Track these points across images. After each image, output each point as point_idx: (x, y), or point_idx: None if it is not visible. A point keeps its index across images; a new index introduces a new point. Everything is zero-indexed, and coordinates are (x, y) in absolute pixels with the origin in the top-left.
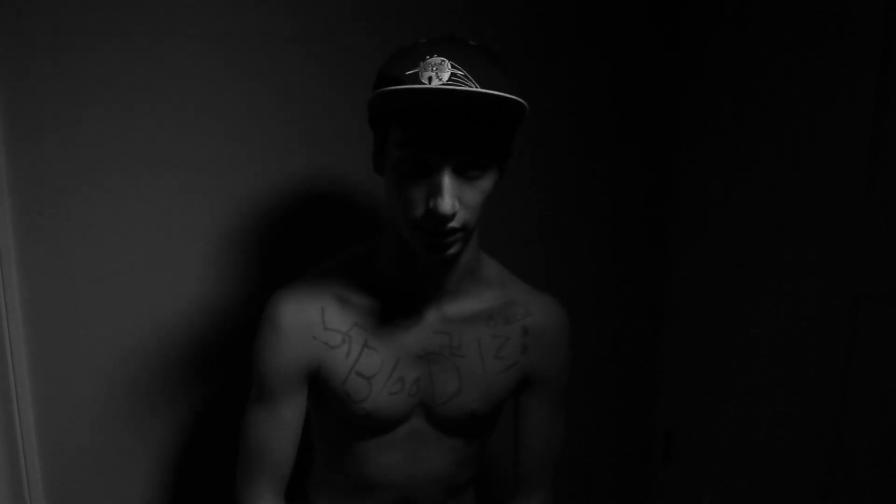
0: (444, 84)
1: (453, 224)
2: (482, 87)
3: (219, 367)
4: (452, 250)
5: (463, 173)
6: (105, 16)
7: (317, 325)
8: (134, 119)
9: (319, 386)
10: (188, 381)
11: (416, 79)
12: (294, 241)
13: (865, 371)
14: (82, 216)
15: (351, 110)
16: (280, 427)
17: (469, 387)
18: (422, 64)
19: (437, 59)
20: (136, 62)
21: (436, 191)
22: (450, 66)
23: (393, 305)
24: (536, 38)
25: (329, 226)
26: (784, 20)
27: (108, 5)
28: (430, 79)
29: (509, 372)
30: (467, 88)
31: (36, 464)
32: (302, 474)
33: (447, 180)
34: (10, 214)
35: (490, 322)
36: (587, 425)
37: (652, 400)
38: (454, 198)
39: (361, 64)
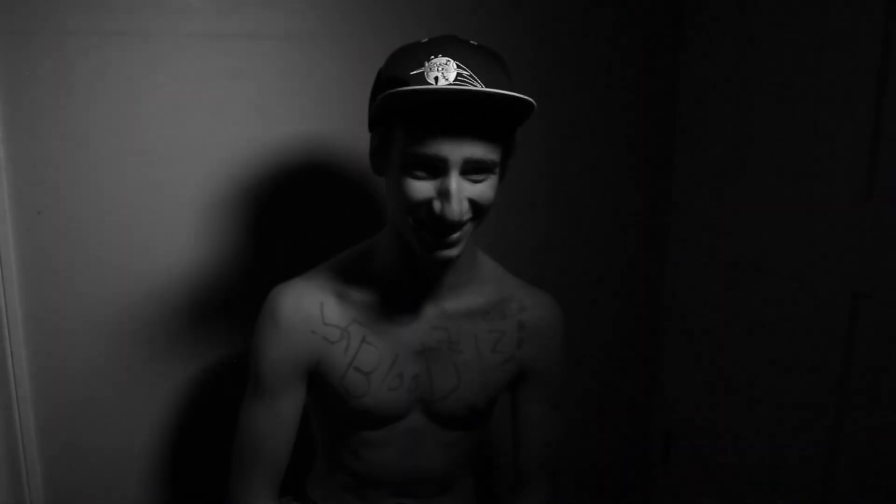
0: (450, 84)
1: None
2: (488, 87)
3: (221, 368)
4: (455, 251)
5: (468, 174)
6: (105, 15)
7: (315, 319)
8: (134, 119)
9: (318, 381)
10: (190, 381)
11: (421, 79)
12: (295, 238)
13: (865, 371)
14: (82, 216)
15: (353, 108)
16: (277, 423)
17: (467, 381)
18: (427, 64)
19: (442, 59)
20: (137, 61)
21: (444, 195)
22: (455, 66)
23: (392, 302)
24: (536, 38)
25: (332, 223)
26: (784, 20)
27: (109, 5)
28: (436, 79)
29: (506, 366)
30: (479, 88)
31: (36, 464)
32: (301, 471)
33: (454, 184)
34: (10, 214)
35: (486, 317)
36: (587, 425)
37: (652, 400)
38: (461, 202)
39: (362, 60)
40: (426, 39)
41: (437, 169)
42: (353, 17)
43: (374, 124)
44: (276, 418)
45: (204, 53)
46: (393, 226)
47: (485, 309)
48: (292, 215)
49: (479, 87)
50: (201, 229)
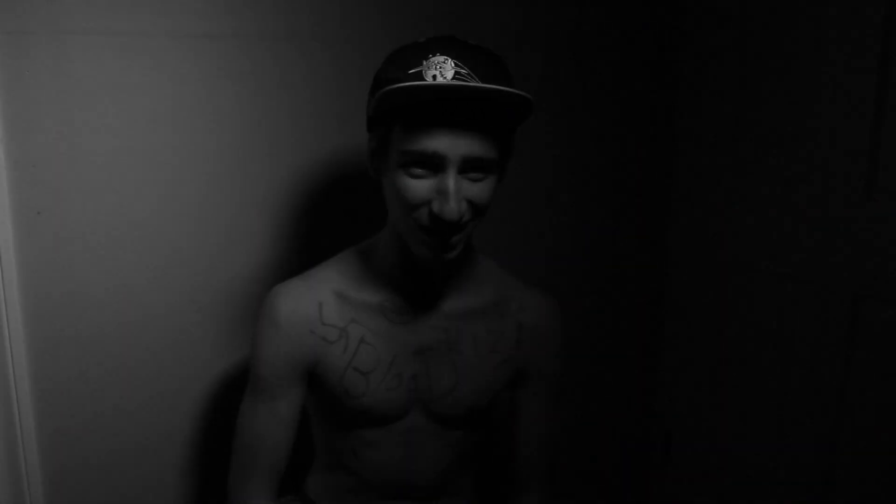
0: (449, 82)
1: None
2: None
3: (220, 367)
4: (454, 254)
5: (467, 174)
6: (105, 15)
7: (314, 319)
8: (133, 119)
9: (317, 381)
10: (189, 381)
11: (419, 77)
12: (294, 238)
13: (865, 371)
14: (82, 216)
15: (353, 108)
16: (276, 422)
17: (466, 382)
18: (425, 62)
19: (440, 58)
20: (136, 61)
21: (442, 194)
22: (453, 65)
23: (390, 302)
24: (535, 38)
25: (330, 223)
26: (784, 19)
27: (109, 5)
28: (434, 77)
29: (505, 366)
30: (477, 84)
31: (36, 464)
32: (301, 471)
33: (453, 183)
34: (10, 214)
35: (485, 318)
36: (587, 425)
37: (652, 400)
38: (459, 202)
39: (363, 61)
40: (424, 39)
41: (435, 167)
42: (353, 18)
43: (372, 125)
44: (276, 418)
45: (204, 53)
46: (392, 226)
47: (483, 309)
48: (292, 215)
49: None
50: (201, 229)
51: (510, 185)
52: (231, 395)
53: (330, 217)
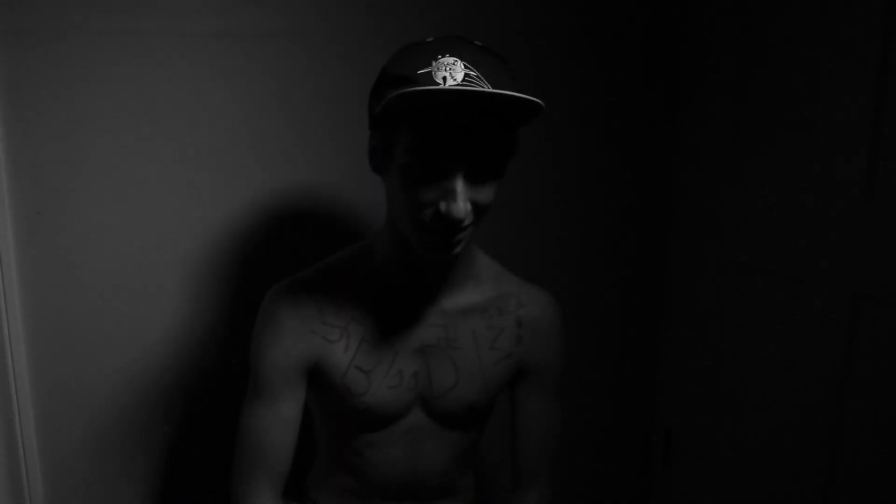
0: (458, 84)
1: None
2: (494, 89)
3: (220, 368)
4: (457, 250)
5: (473, 176)
6: (105, 15)
7: (315, 319)
8: (134, 119)
9: (319, 381)
10: (189, 381)
11: (429, 78)
12: (293, 237)
13: (865, 371)
14: (82, 216)
15: (353, 107)
16: (279, 423)
17: (466, 379)
18: (434, 63)
19: (449, 59)
20: (136, 62)
21: (449, 196)
22: (462, 67)
23: (390, 300)
24: (536, 38)
25: (329, 222)
26: (784, 19)
27: (109, 4)
28: (444, 79)
29: (504, 363)
30: (490, 90)
31: (36, 464)
32: (303, 473)
33: (460, 185)
34: (10, 214)
35: (485, 314)
36: (587, 424)
37: (652, 400)
38: (467, 202)
39: (363, 60)
40: (431, 39)
41: (442, 171)
42: (354, 17)
43: (376, 122)
44: (278, 419)
45: (204, 53)
46: (392, 225)
47: (483, 306)
48: (292, 214)
49: (487, 87)
50: (201, 229)
51: (511, 184)
52: (233, 396)
53: (330, 216)
